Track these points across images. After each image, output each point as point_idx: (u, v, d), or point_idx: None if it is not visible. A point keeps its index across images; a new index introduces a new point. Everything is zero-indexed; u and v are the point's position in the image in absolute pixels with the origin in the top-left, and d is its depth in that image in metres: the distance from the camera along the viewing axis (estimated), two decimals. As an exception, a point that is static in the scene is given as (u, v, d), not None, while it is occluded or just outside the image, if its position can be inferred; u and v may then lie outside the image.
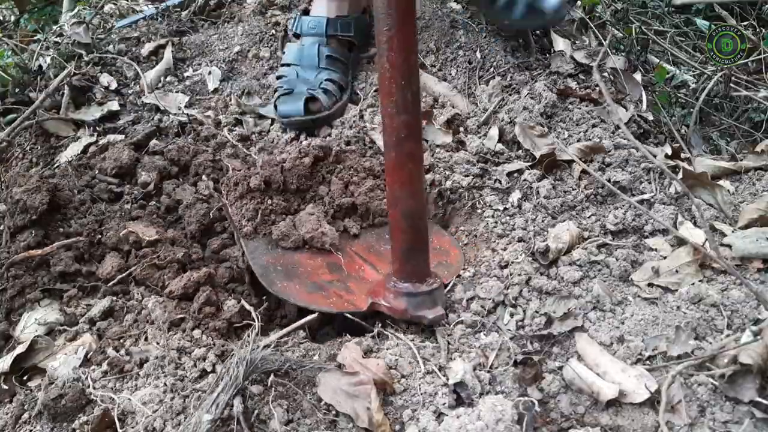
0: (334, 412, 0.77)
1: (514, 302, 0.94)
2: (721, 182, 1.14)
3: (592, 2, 1.70)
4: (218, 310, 0.96)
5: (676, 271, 0.96)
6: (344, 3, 1.47)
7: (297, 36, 1.49)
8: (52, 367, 0.88)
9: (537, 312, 0.92)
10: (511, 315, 0.92)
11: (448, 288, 0.99)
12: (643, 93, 1.43)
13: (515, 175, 1.21)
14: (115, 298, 1.01)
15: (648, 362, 0.82)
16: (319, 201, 1.18)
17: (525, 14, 1.40)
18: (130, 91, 1.52)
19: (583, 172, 1.17)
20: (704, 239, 0.98)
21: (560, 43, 1.52)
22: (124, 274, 1.04)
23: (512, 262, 1.00)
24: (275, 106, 1.39)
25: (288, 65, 1.45)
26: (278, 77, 1.45)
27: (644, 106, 1.40)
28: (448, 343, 0.88)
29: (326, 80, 1.41)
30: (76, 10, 1.85)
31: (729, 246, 0.98)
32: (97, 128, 1.40)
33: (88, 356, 0.90)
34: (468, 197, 1.18)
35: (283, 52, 1.51)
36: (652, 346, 0.84)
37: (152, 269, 1.04)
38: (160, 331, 0.93)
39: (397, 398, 0.79)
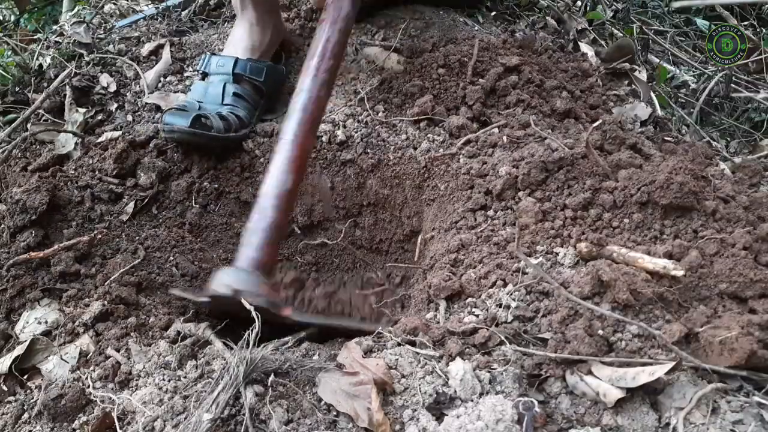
0: (334, 412, 0.77)
1: (514, 302, 0.94)
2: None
3: (594, 17, 1.71)
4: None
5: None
6: (255, 48, 1.39)
7: (204, 76, 1.39)
8: (46, 369, 0.88)
9: (537, 312, 0.91)
10: (512, 315, 0.92)
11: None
12: (652, 93, 1.43)
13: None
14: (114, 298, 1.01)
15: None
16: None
17: None
18: (130, 91, 1.51)
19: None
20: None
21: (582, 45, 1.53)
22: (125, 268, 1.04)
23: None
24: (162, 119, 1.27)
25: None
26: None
27: (657, 105, 1.41)
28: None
29: (227, 110, 1.31)
30: (76, 10, 1.85)
31: None
32: (96, 129, 1.40)
33: (87, 357, 0.90)
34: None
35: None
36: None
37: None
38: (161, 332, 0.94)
39: (397, 398, 0.79)
